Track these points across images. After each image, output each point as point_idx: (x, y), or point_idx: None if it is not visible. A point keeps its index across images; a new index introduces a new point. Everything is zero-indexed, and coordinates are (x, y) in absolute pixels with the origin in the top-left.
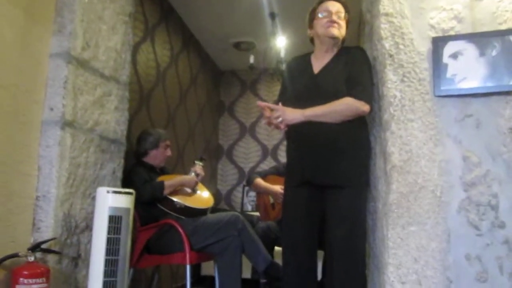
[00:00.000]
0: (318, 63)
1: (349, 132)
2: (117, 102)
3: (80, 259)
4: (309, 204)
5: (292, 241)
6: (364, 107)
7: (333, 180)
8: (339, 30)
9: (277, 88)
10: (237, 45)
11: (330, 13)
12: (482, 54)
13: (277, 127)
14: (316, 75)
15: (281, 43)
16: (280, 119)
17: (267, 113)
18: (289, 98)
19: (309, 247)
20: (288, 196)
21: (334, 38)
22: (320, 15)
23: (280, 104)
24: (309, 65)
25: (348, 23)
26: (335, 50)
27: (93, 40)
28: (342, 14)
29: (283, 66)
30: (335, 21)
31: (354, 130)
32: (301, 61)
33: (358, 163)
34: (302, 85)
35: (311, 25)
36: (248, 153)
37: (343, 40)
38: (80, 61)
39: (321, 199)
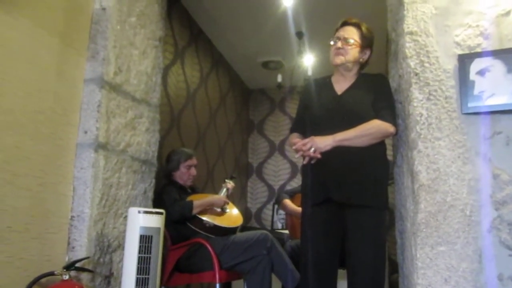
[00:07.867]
0: (339, 85)
1: (373, 153)
2: (148, 124)
3: (112, 278)
4: (330, 223)
5: (314, 260)
6: (391, 128)
7: (358, 200)
8: (343, 57)
9: None
10: (265, 64)
11: (337, 39)
12: (510, 70)
13: (313, 157)
14: (340, 96)
15: (308, 61)
16: (313, 149)
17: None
18: (310, 119)
19: (330, 265)
20: (308, 215)
21: (337, 66)
22: (331, 42)
23: (294, 131)
24: (330, 87)
25: (361, 43)
26: (352, 75)
27: (125, 65)
28: (351, 40)
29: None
30: (338, 49)
31: (377, 152)
32: (321, 83)
33: (380, 183)
34: (325, 105)
35: None
36: (277, 171)
37: (364, 64)
38: (113, 85)
39: (341, 218)
